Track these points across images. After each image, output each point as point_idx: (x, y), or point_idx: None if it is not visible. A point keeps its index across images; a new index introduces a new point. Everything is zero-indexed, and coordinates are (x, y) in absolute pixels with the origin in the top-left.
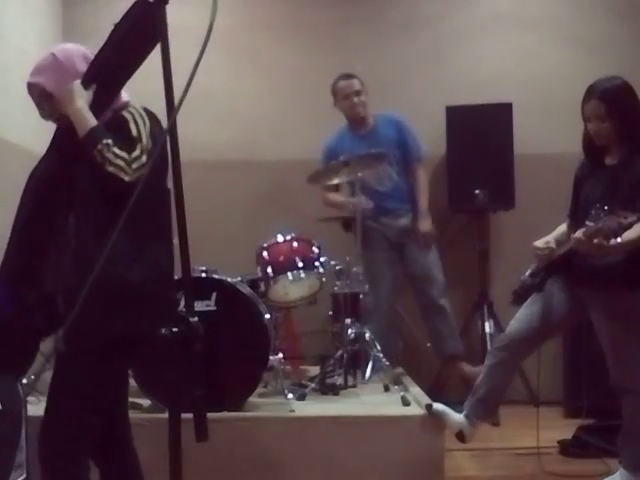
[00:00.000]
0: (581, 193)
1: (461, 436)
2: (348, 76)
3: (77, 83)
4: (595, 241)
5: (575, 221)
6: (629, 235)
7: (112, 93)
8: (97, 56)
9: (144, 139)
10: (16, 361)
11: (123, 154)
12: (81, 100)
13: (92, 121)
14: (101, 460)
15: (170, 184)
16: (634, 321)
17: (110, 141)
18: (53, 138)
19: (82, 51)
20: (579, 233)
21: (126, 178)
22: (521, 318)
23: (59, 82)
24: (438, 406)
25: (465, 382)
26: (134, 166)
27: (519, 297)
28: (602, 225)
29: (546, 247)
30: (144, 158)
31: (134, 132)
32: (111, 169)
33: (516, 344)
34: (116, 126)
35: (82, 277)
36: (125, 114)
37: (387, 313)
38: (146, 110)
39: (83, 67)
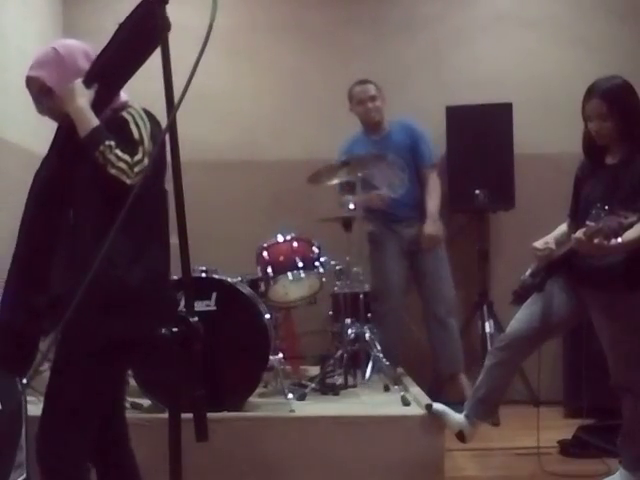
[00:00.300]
0: (581, 193)
1: (461, 436)
2: (364, 82)
3: (79, 82)
4: (595, 241)
5: (575, 221)
6: (630, 235)
7: (113, 92)
8: (100, 56)
9: (146, 142)
10: (19, 362)
11: (126, 157)
12: (82, 99)
13: (94, 121)
14: (99, 461)
15: (170, 184)
16: (634, 321)
17: (113, 143)
18: (54, 138)
19: (83, 48)
20: (579, 233)
21: (128, 181)
22: (521, 318)
23: (60, 77)
24: (438, 406)
25: (461, 398)
26: (136, 170)
27: (519, 297)
28: (602, 225)
29: (545, 247)
30: (146, 161)
31: (136, 135)
32: (113, 172)
33: (516, 344)
34: (116, 126)
35: (80, 278)
36: (125, 115)
37: (396, 320)
38: (146, 111)
39: (84, 64)
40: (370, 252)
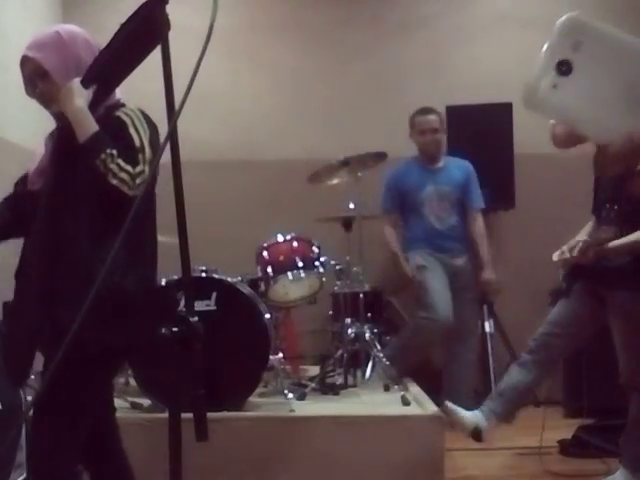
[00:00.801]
0: (597, 192)
1: (477, 434)
2: (428, 111)
3: (77, 82)
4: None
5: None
6: (617, 242)
7: (109, 91)
8: (100, 55)
9: (146, 150)
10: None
11: (128, 167)
12: (80, 100)
13: (93, 125)
14: (91, 463)
15: (170, 184)
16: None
17: (115, 152)
18: (54, 144)
19: (85, 37)
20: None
21: (130, 193)
22: (546, 324)
23: (59, 63)
24: (450, 404)
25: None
26: (138, 181)
27: (553, 299)
28: (592, 240)
29: (559, 259)
30: (147, 171)
31: (136, 142)
32: (115, 182)
33: (543, 349)
34: (112, 128)
35: (76, 279)
36: (122, 116)
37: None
38: (142, 113)
39: (85, 53)
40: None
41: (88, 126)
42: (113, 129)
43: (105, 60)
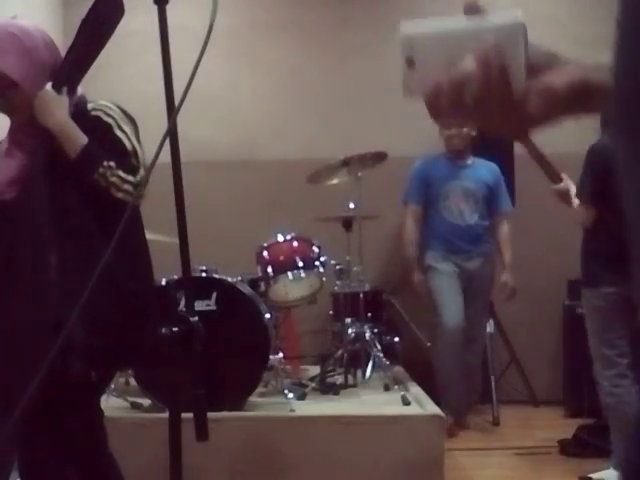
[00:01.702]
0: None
1: None
2: None
3: (50, 90)
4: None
5: None
6: None
7: (75, 88)
8: (68, 56)
9: (139, 151)
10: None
11: (129, 178)
12: (62, 111)
13: (82, 137)
14: (80, 468)
15: (170, 184)
16: (590, 320)
17: (113, 163)
18: (36, 160)
19: (43, 35)
20: None
21: (135, 202)
22: None
23: (26, 70)
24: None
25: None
26: (140, 190)
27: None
28: None
29: None
30: (144, 175)
31: (127, 145)
32: (120, 195)
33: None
34: (94, 131)
35: (106, 297)
36: (103, 117)
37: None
38: (118, 107)
39: (47, 55)
40: (427, 281)
41: (76, 139)
42: (96, 133)
43: (74, 59)
